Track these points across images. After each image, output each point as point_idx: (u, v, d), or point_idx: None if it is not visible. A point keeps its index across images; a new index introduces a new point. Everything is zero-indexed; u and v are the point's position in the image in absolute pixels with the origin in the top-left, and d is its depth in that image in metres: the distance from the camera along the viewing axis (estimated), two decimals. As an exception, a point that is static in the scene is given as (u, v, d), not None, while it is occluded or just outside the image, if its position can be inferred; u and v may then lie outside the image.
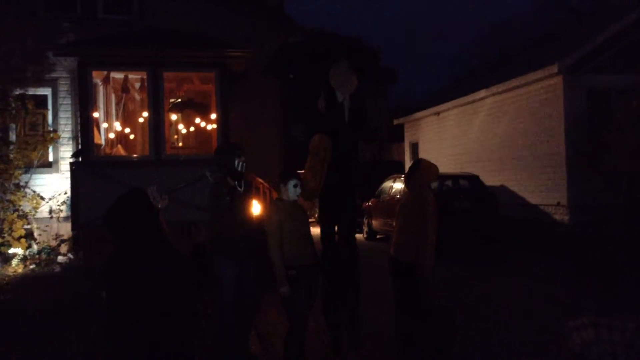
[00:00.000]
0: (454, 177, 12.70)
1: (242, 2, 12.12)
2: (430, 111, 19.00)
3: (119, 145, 10.10)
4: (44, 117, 11.30)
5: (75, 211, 9.11)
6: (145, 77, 9.64)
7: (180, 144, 10.94)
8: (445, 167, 16.37)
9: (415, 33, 61.38)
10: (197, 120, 10.60)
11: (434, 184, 12.36)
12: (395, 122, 21.75)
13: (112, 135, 10.13)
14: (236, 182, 4.82)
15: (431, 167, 5.09)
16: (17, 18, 10.96)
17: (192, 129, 10.65)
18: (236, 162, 4.78)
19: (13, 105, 10.28)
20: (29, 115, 10.59)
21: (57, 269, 9.90)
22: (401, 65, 32.06)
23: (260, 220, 6.20)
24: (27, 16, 11.04)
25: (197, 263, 3.02)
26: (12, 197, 10.21)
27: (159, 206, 3.11)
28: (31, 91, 10.83)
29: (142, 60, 9.48)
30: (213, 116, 10.08)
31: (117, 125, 10.09)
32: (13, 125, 10.62)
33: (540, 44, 17.09)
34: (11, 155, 10.15)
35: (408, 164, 21.23)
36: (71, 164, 9.39)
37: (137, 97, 10.42)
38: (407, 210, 5.01)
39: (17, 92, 10.39)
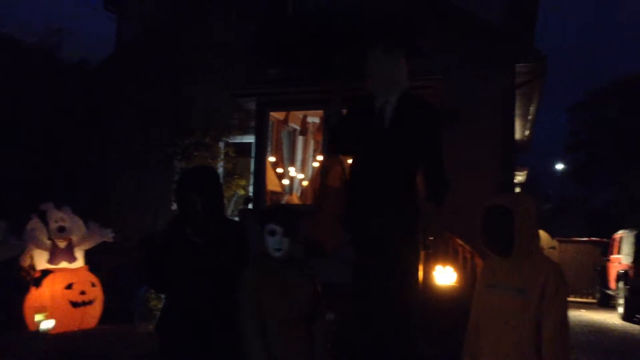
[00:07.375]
0: None
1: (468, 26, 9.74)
2: None
3: (295, 193, 8.99)
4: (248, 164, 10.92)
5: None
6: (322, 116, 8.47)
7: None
8: None
9: None
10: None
11: None
12: None
13: (286, 182, 9.09)
14: (190, 231, 3.00)
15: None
16: (228, 65, 10.87)
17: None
18: (195, 197, 2.95)
19: (217, 153, 10.09)
20: (227, 162, 10.25)
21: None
22: None
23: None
24: (238, 61, 10.84)
25: None
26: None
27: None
28: (238, 139, 10.56)
29: (316, 98, 8.29)
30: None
31: (292, 171, 9.04)
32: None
33: None
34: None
35: None
36: (240, 211, 8.62)
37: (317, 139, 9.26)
38: (510, 303, 2.59)
39: (223, 140, 10.18)
